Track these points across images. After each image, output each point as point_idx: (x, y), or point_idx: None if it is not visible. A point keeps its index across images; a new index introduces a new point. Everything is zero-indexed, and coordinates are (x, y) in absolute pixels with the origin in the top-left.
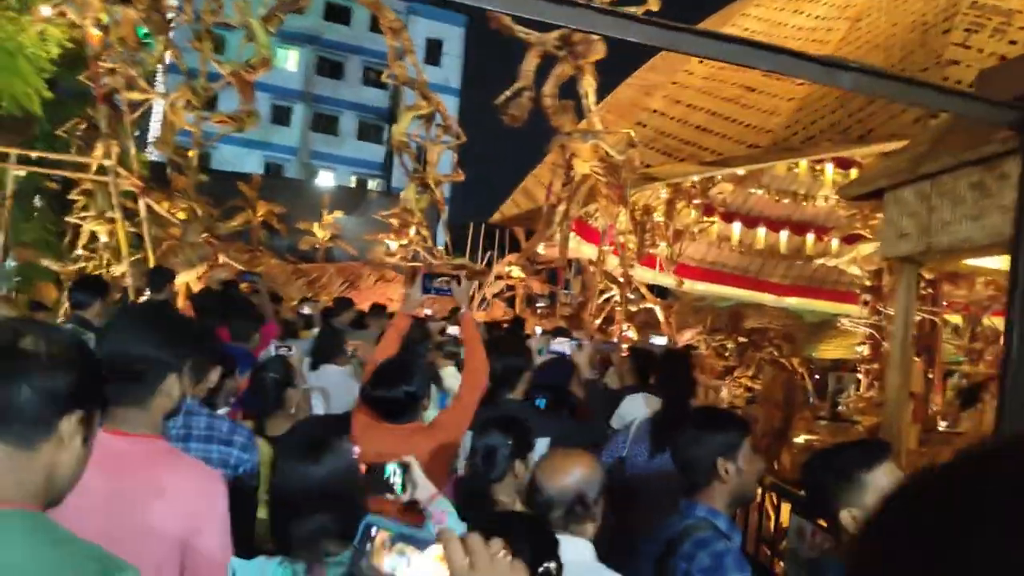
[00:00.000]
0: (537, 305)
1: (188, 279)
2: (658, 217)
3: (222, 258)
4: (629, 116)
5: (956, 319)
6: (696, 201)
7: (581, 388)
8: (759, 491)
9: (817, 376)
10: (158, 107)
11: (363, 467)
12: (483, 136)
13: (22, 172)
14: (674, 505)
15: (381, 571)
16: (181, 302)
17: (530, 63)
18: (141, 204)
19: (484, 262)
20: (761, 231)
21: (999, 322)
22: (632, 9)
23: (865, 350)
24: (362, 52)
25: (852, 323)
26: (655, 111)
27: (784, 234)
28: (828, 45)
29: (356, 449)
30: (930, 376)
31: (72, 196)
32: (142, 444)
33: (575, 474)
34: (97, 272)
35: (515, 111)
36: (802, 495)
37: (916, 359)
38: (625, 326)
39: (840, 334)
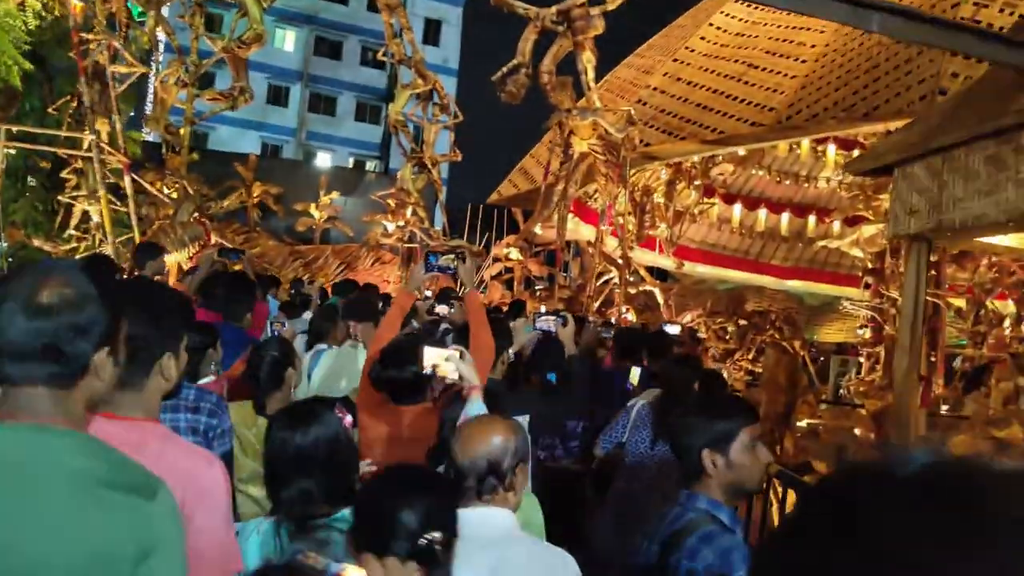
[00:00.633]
0: (536, 288)
1: (179, 259)
2: (658, 198)
3: (214, 238)
4: (629, 95)
5: (959, 302)
6: (697, 182)
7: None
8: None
9: (821, 359)
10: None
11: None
12: (483, 117)
13: (11, 150)
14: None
15: None
16: (172, 281)
17: (528, 39)
18: (127, 182)
19: (482, 244)
20: (762, 213)
21: (1002, 305)
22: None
23: (867, 333)
24: (360, 32)
25: (854, 306)
26: (655, 89)
27: (785, 216)
28: (829, 24)
29: (347, 419)
30: (933, 359)
31: (64, 175)
32: (136, 428)
33: (488, 443)
34: (90, 253)
35: (512, 88)
36: (807, 481)
37: None
38: (624, 308)
39: (841, 317)
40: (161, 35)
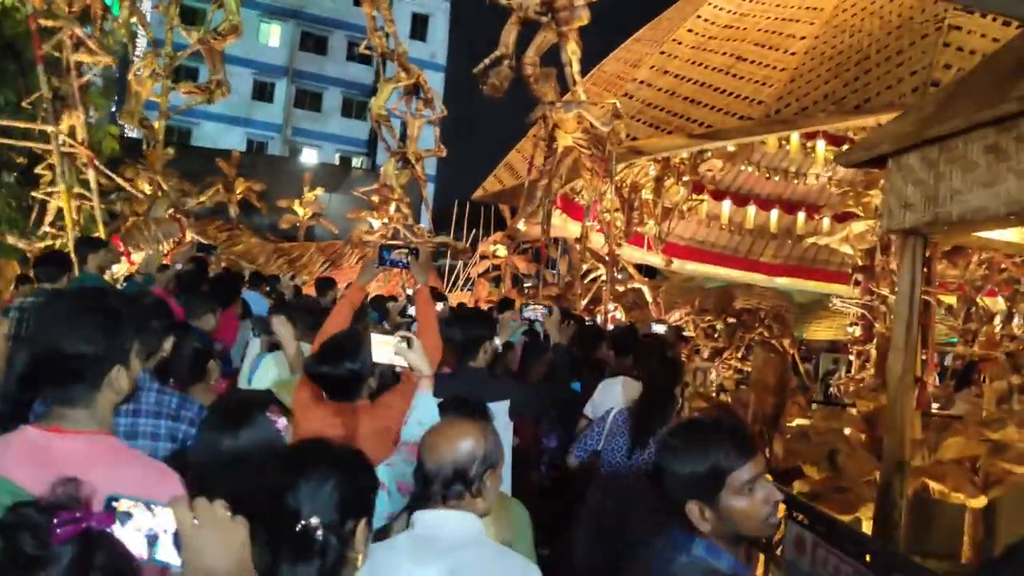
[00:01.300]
0: (524, 285)
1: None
2: (646, 195)
3: (190, 235)
4: (615, 88)
5: (950, 299)
6: (685, 178)
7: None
8: None
9: (810, 358)
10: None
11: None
12: (472, 112)
13: None
14: (658, 509)
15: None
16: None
17: (510, 30)
18: (91, 176)
19: (469, 241)
20: (751, 209)
21: (991, 302)
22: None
23: (857, 331)
24: (346, 27)
25: (844, 303)
26: (642, 82)
27: (775, 212)
28: (823, 13)
29: (281, 422)
30: (923, 358)
31: (38, 170)
32: (85, 442)
33: (455, 449)
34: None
35: (494, 80)
36: (795, 491)
37: None
38: (612, 306)
39: (831, 315)
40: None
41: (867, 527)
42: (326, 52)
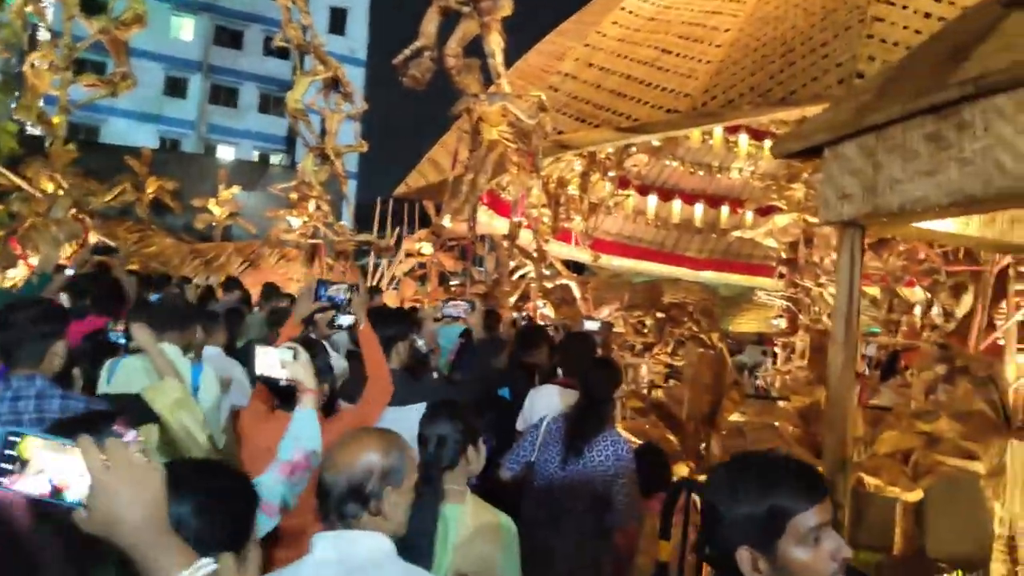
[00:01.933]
0: (451, 283)
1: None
2: (573, 190)
3: (94, 236)
4: (540, 81)
5: (873, 290)
6: (611, 173)
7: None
8: (683, 492)
9: (741, 352)
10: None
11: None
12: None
13: None
14: (591, 522)
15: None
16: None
17: (431, 21)
18: None
19: (393, 239)
20: (676, 204)
21: (910, 293)
22: None
23: (782, 323)
24: (262, 21)
25: (768, 296)
26: (567, 75)
27: (699, 207)
28: (746, 5)
29: (130, 435)
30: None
31: None
32: None
33: (351, 462)
34: None
35: (415, 72)
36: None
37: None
38: (541, 303)
39: (756, 307)
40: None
41: None
42: (242, 46)
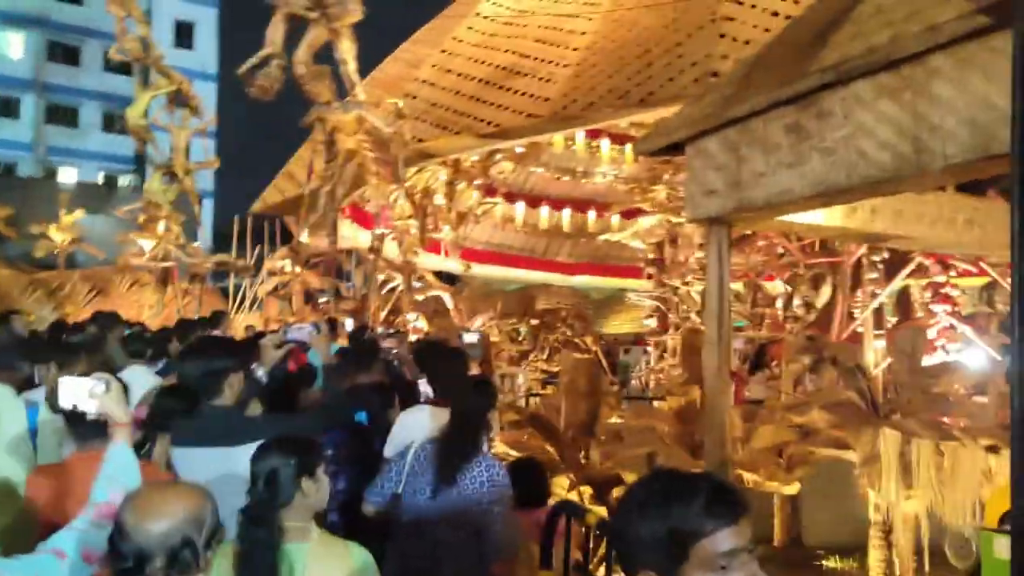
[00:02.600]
0: (318, 300)
1: None
2: (439, 200)
3: None
4: (397, 89)
5: (736, 285)
6: (477, 182)
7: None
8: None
9: (616, 353)
10: None
11: None
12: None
13: None
14: (468, 556)
15: None
16: None
17: (276, 28)
18: None
19: (253, 258)
20: (544, 210)
21: (770, 286)
22: None
23: (653, 322)
24: (100, 36)
25: (638, 297)
26: (424, 82)
27: (567, 212)
28: (601, 8)
29: None
30: None
31: None
32: None
33: (172, 515)
34: None
35: (263, 82)
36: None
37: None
38: (413, 316)
39: (627, 308)
40: None
41: None
42: (79, 63)
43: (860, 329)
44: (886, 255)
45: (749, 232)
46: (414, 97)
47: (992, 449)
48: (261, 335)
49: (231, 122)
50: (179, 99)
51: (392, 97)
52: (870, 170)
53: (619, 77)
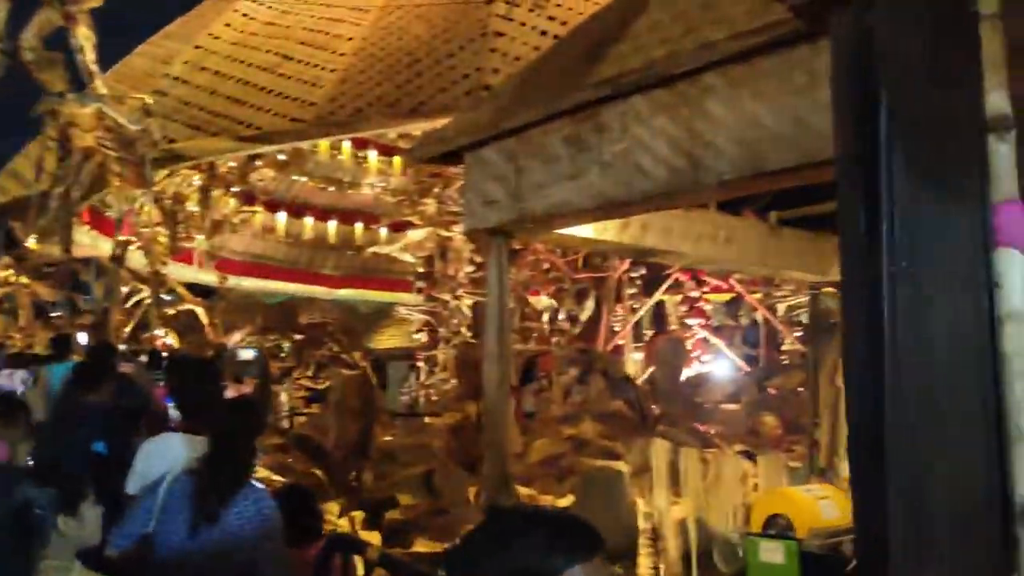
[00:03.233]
0: (50, 315)
1: None
2: (192, 206)
3: None
4: (144, 85)
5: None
6: (235, 188)
7: None
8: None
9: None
10: None
11: None
12: None
13: None
14: None
15: None
16: None
17: None
18: None
19: None
20: (308, 221)
21: (535, 301)
22: None
23: (423, 337)
24: None
25: (408, 311)
26: (176, 79)
27: (332, 223)
28: (369, 14)
29: None
30: None
31: None
32: None
33: None
34: None
35: None
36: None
37: (474, 341)
38: (162, 331)
39: (396, 322)
40: None
41: None
42: None
43: (621, 342)
44: (644, 271)
45: (519, 247)
46: (164, 94)
47: (746, 454)
48: None
49: None
50: None
51: (139, 93)
52: (647, 184)
53: (388, 85)
